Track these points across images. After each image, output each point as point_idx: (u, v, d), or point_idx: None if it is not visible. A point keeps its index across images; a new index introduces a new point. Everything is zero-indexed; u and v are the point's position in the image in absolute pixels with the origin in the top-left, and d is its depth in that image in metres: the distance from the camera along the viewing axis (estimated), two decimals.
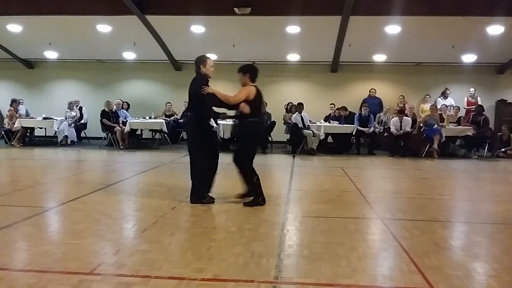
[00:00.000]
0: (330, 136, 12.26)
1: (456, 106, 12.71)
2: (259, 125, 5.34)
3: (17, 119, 12.33)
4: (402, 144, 11.30)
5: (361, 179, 7.44)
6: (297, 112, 11.45)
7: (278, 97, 13.69)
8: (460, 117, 12.33)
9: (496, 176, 8.55)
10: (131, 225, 4.32)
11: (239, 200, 5.19)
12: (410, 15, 10.59)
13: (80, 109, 13.23)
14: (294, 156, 10.73)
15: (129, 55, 14.06)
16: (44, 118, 12.47)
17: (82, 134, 13.45)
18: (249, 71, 5.15)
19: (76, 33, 12.47)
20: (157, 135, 12.91)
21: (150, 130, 12.92)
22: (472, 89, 13.10)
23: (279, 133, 12.38)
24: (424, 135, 11.23)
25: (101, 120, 12.03)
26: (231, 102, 5.04)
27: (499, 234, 4.14)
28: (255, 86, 5.12)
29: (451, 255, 3.53)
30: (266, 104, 12.35)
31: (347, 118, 12.22)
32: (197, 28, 11.88)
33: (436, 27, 11.19)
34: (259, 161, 9.87)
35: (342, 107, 12.48)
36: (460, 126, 11.78)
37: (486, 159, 11.07)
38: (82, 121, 13.12)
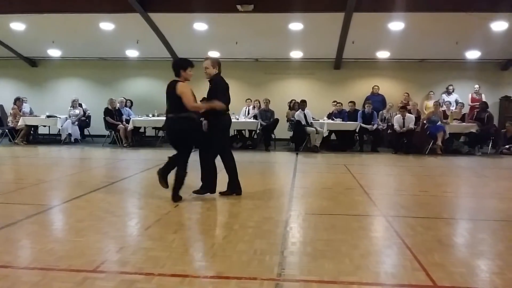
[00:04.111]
0: (333, 133, 12.25)
1: (460, 102, 12.67)
2: None
3: (21, 117, 12.37)
4: (405, 141, 11.26)
5: (365, 176, 7.41)
6: (300, 109, 11.43)
7: (281, 94, 13.68)
8: (464, 114, 12.27)
9: (500, 173, 8.51)
10: (134, 222, 4.33)
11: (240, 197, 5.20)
12: (414, 11, 10.54)
13: (80, 105, 13.22)
14: (297, 154, 10.72)
15: (132, 53, 14.07)
16: (48, 116, 12.52)
17: (86, 132, 13.48)
18: None
19: (79, 31, 12.50)
20: (160, 133, 12.93)
21: (153, 128, 12.98)
22: (476, 86, 13.06)
23: (282, 131, 12.36)
24: (428, 132, 11.19)
25: (104, 118, 12.05)
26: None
27: (503, 231, 4.12)
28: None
29: (454, 252, 3.52)
30: (269, 101, 12.38)
31: (351, 115, 12.19)
32: (200, 25, 11.87)
33: (439, 23, 11.13)
34: (262, 159, 10.00)
35: (350, 101, 12.46)
36: (464, 123, 11.74)
37: (490, 156, 11.02)
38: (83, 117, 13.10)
